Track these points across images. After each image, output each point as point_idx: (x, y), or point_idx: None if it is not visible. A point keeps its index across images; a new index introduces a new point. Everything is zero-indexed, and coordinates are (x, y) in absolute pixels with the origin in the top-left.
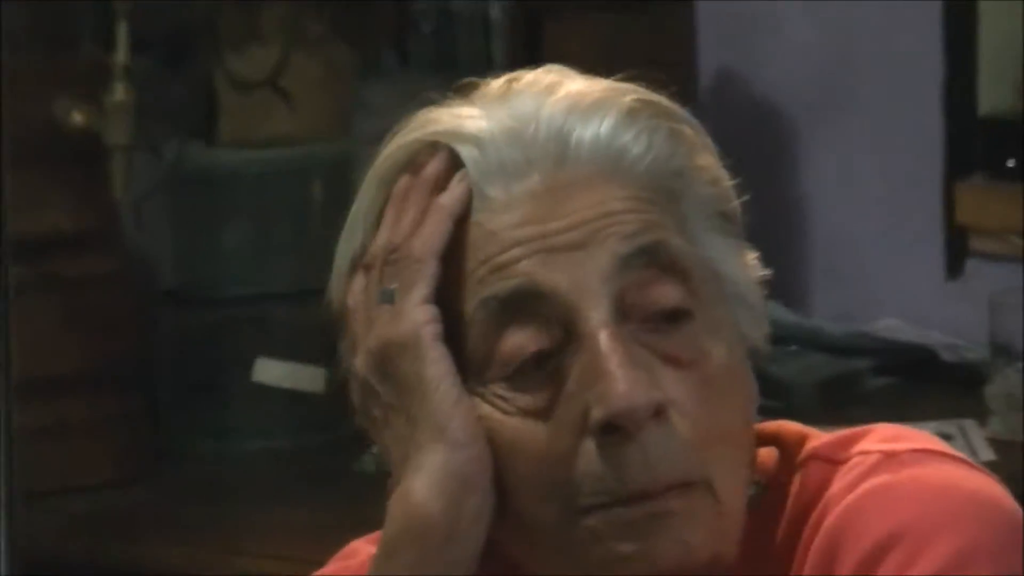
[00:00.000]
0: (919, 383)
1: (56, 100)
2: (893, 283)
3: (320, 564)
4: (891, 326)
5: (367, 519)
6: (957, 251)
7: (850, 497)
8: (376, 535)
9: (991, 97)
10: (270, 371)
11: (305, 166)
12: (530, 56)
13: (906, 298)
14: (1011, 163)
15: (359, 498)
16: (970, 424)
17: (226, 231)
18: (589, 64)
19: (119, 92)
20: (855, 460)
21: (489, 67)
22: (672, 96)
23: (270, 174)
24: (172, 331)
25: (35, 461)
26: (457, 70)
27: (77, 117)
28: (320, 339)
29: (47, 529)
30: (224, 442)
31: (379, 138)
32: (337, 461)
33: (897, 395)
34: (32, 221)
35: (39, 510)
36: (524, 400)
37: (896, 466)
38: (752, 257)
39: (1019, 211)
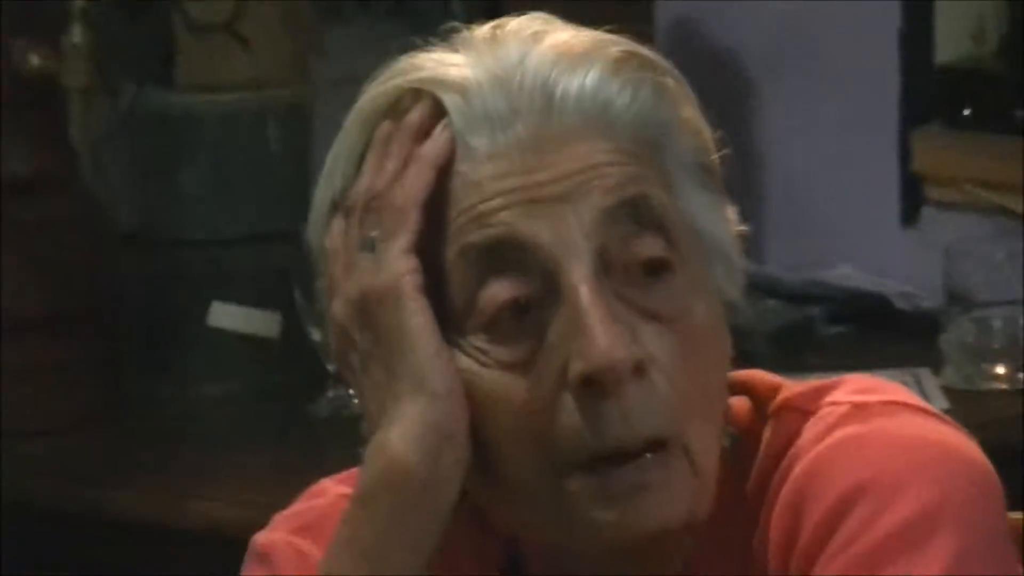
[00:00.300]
0: (874, 331)
1: (13, 43)
2: (849, 231)
3: (277, 507)
4: (846, 274)
5: (323, 462)
6: (913, 200)
7: (819, 447)
8: (345, 475)
9: (948, 46)
10: (226, 316)
11: (263, 110)
12: (489, 3)
13: (861, 246)
14: (967, 112)
15: (315, 441)
16: (924, 373)
17: (184, 175)
18: (547, 11)
19: (77, 35)
20: (825, 410)
21: (447, 14)
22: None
23: (228, 118)
24: (130, 275)
25: None
26: (416, 16)
27: (35, 60)
28: (277, 283)
29: (5, 472)
30: (182, 385)
31: (337, 83)
32: (293, 405)
33: (852, 343)
34: None
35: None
36: (503, 353)
37: (865, 417)
38: (731, 212)
39: (975, 160)
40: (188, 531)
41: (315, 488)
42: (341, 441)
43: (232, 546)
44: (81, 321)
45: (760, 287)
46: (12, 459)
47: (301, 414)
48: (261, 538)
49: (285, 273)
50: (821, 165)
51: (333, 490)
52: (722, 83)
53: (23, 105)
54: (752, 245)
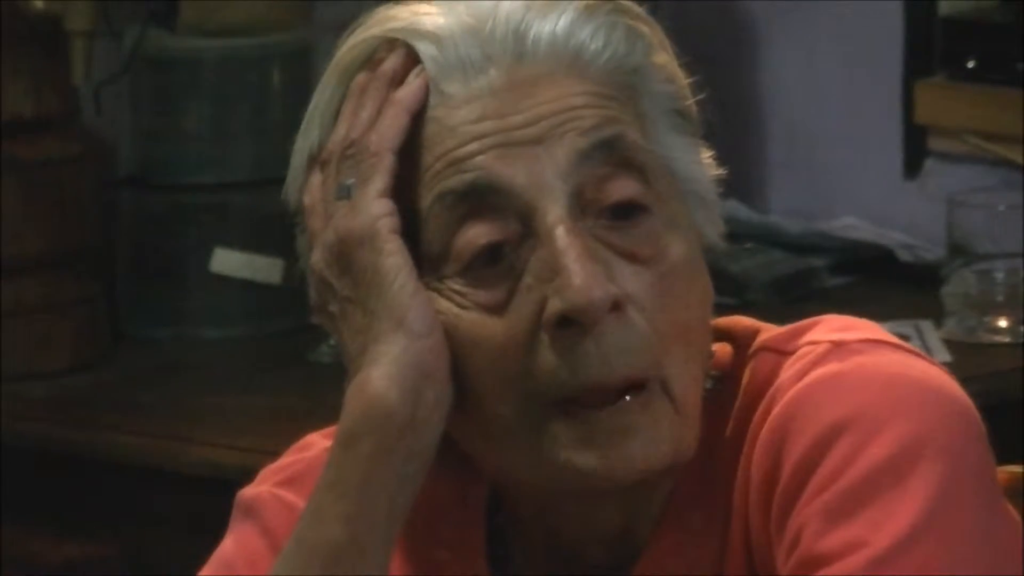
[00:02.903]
0: (876, 282)
1: None
2: (851, 182)
3: (275, 453)
4: (848, 225)
5: (322, 408)
6: (916, 150)
7: (798, 386)
8: (332, 429)
9: None
10: (228, 262)
11: (265, 54)
12: None
13: (864, 197)
14: (971, 63)
15: (314, 388)
16: (926, 325)
17: (186, 118)
18: None
19: None
20: (804, 350)
21: None
22: None
23: (230, 61)
24: (131, 216)
25: None
26: None
27: (38, 2)
28: (278, 228)
29: (4, 413)
30: (181, 329)
31: (340, 26)
32: (293, 351)
33: (853, 294)
34: None
35: None
36: (481, 295)
37: (844, 355)
38: (708, 155)
39: (978, 111)
40: (187, 474)
41: (302, 442)
42: (342, 388)
43: (231, 490)
44: (81, 263)
45: (763, 237)
46: (11, 400)
47: (302, 360)
48: (248, 492)
49: (286, 218)
50: (824, 116)
51: (319, 444)
52: (726, 33)
53: (26, 46)
54: (755, 195)
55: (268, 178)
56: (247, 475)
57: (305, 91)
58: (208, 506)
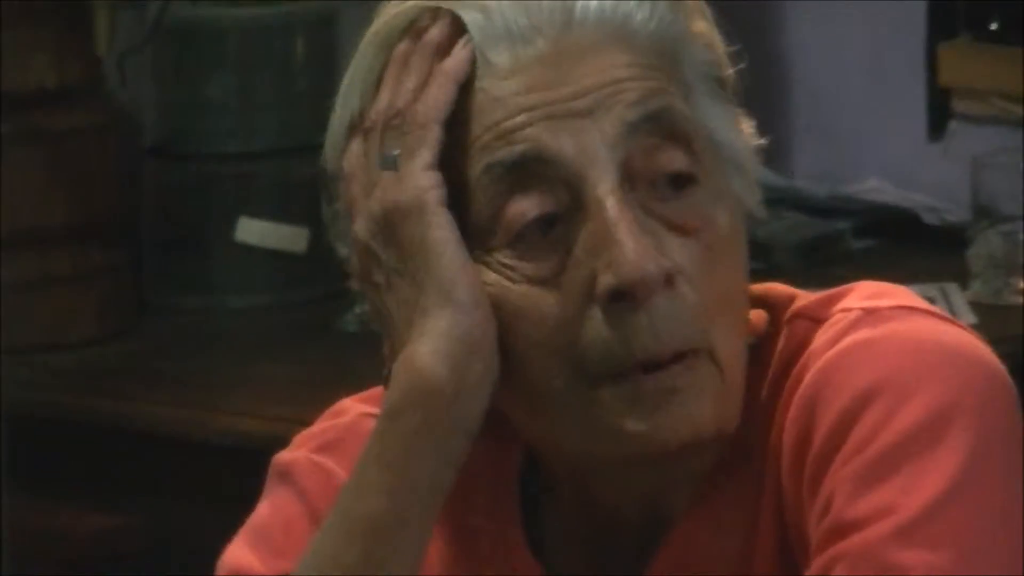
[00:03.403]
0: (901, 245)
1: None
2: (876, 144)
3: (302, 422)
4: (873, 187)
5: (348, 377)
6: (940, 113)
7: (830, 352)
8: (366, 394)
9: None
10: (253, 230)
11: (289, 22)
12: None
13: (889, 159)
14: (994, 26)
15: (341, 356)
16: (952, 287)
17: (210, 87)
18: None
19: None
20: (837, 317)
21: None
22: None
23: (254, 30)
24: (156, 186)
25: (19, 315)
26: None
27: None
28: (303, 196)
29: (31, 383)
30: (207, 297)
31: None
32: (319, 319)
33: (879, 257)
34: (17, 76)
35: (23, 364)
36: (530, 268)
37: (877, 321)
38: (747, 124)
39: (1001, 73)
40: (214, 444)
41: (336, 407)
42: (368, 356)
43: (258, 459)
44: (106, 233)
45: (787, 201)
46: (38, 370)
47: (328, 329)
48: (283, 457)
49: (312, 187)
50: (848, 79)
51: (354, 408)
52: None
53: (50, 18)
54: (780, 159)
55: (293, 147)
56: (274, 444)
57: (329, 60)
58: (235, 476)
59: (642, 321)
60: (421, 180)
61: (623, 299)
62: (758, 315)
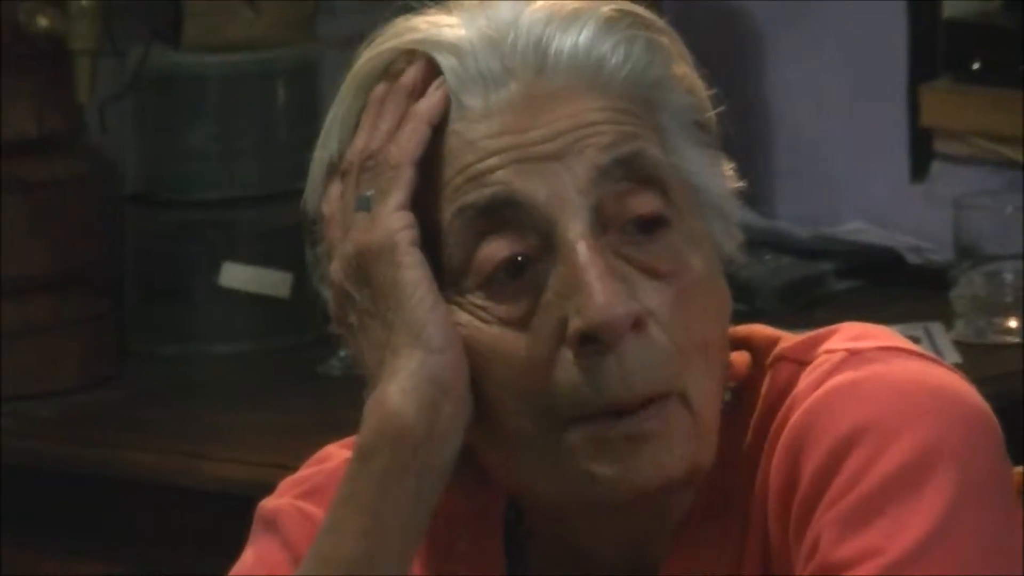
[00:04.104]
0: (885, 286)
1: (22, 4)
2: (858, 186)
3: (287, 468)
4: (856, 229)
5: (333, 423)
6: (922, 153)
7: (815, 394)
8: (350, 440)
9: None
10: (237, 275)
11: (270, 69)
12: None
13: (871, 201)
14: (976, 66)
15: (325, 402)
16: (936, 327)
17: (191, 135)
18: None
19: None
20: (821, 359)
21: None
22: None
23: (235, 77)
24: (138, 234)
25: (1, 364)
26: None
27: (42, 21)
28: (286, 242)
29: (13, 432)
30: (190, 345)
31: (344, 42)
32: (304, 364)
33: (863, 298)
34: None
35: (5, 413)
36: (502, 310)
37: (861, 363)
38: (727, 167)
39: (983, 113)
40: (198, 491)
41: (321, 453)
42: (352, 401)
43: (242, 506)
44: (88, 281)
45: (770, 242)
46: (20, 420)
47: (312, 374)
48: (268, 504)
49: (295, 232)
50: (830, 120)
51: (338, 455)
52: (730, 37)
53: (31, 65)
54: (762, 200)
55: (274, 192)
56: (258, 490)
57: (310, 106)
58: (219, 522)
59: (612, 365)
60: (393, 221)
61: (592, 343)
62: (741, 357)
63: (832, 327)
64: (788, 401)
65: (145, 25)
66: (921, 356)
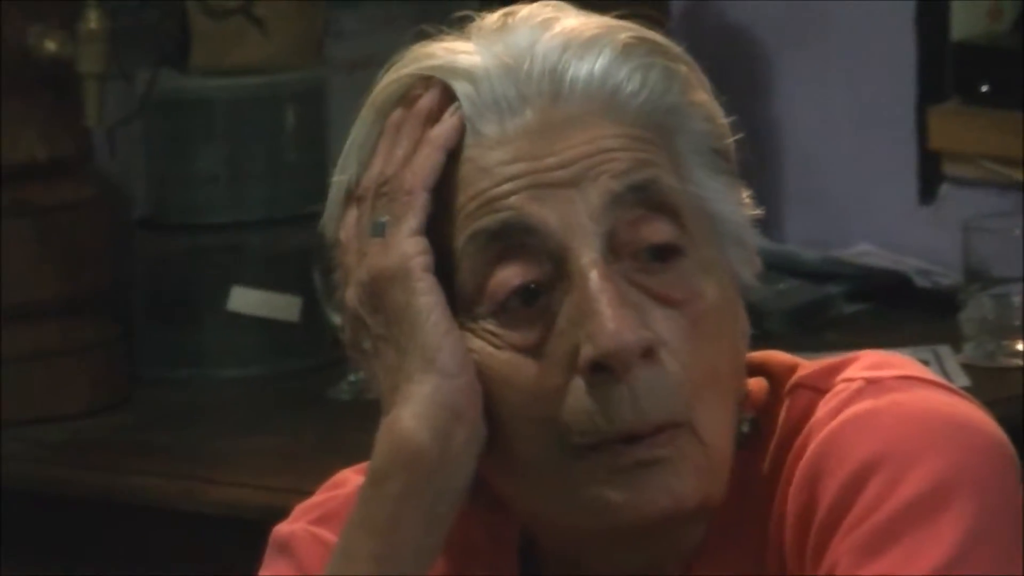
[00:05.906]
0: (893, 309)
1: (30, 28)
2: (867, 209)
3: (297, 493)
4: (865, 252)
5: (342, 447)
6: (930, 176)
7: (833, 423)
8: (364, 465)
9: (963, 22)
10: (246, 299)
11: (278, 93)
12: None
13: (880, 224)
14: (984, 88)
15: (335, 426)
16: (944, 350)
17: (200, 158)
18: None
19: (92, 20)
20: (839, 387)
21: None
22: (648, 22)
23: (244, 101)
24: (147, 258)
25: (10, 389)
26: None
27: (50, 45)
28: (295, 267)
29: (23, 456)
30: (199, 369)
31: (352, 65)
32: (312, 389)
33: (871, 321)
34: (6, 149)
35: (14, 438)
36: (515, 336)
37: (879, 392)
38: (745, 195)
39: (992, 136)
40: (207, 516)
41: (335, 478)
42: (362, 425)
43: (251, 531)
44: (97, 305)
45: (779, 266)
46: (28, 444)
47: (322, 398)
48: (282, 529)
49: (303, 256)
50: (838, 143)
51: (353, 480)
52: (738, 61)
53: (39, 90)
54: (770, 224)
55: (284, 216)
56: (269, 515)
57: (318, 130)
58: (229, 547)
59: (623, 393)
60: (406, 247)
61: (603, 371)
62: (758, 383)
63: (851, 355)
64: (806, 429)
65: (153, 49)
66: (940, 386)
